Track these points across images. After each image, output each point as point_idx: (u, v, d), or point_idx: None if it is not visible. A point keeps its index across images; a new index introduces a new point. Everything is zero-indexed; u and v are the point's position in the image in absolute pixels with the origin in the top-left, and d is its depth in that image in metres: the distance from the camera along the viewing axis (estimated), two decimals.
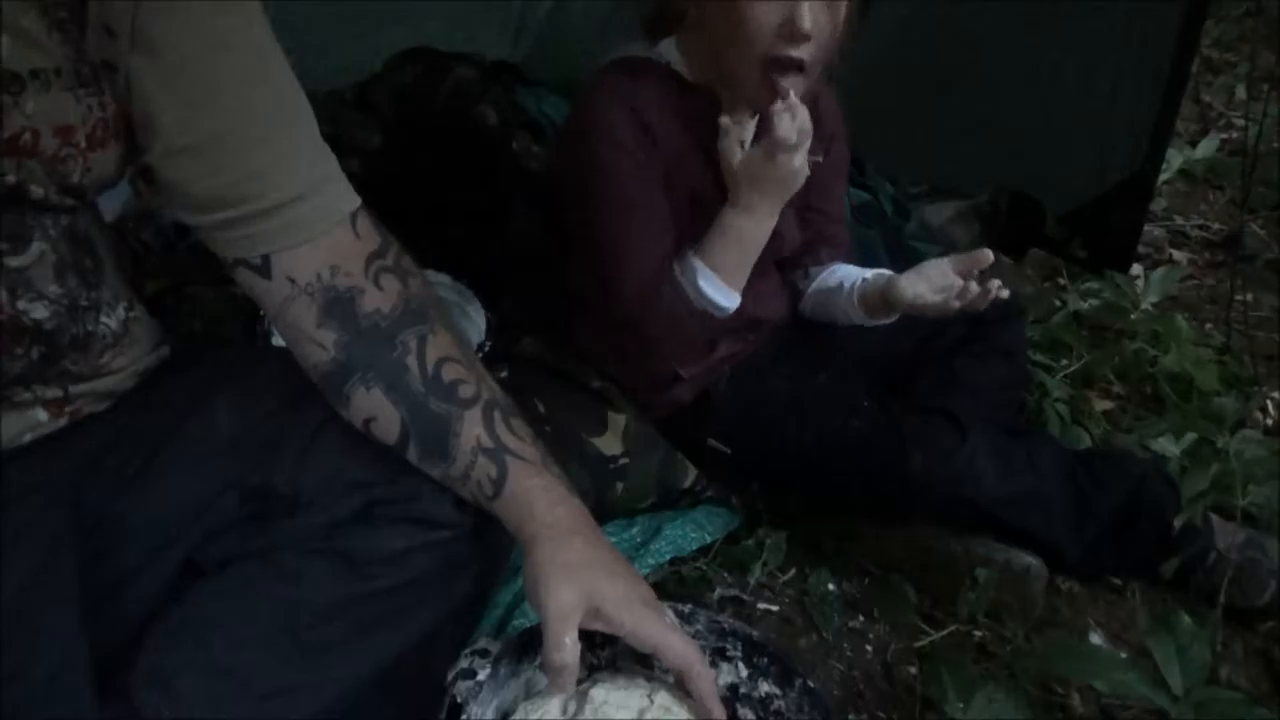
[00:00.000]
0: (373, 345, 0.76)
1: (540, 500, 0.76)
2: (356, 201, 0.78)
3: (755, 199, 1.24)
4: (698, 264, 1.27)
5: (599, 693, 0.78)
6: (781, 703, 0.87)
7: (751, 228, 1.27)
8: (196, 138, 0.71)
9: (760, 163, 1.21)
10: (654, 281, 1.29)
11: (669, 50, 1.32)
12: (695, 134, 1.28)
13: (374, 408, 0.77)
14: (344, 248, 0.76)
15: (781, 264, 1.51)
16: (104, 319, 0.80)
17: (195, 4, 0.69)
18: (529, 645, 0.85)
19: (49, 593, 0.72)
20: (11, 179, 0.67)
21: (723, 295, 1.28)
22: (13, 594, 0.69)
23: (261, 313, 1.46)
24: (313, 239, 0.75)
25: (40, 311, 0.74)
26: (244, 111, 0.72)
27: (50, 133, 0.67)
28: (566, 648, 0.72)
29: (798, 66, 1.18)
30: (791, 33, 1.14)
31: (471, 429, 0.77)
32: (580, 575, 0.73)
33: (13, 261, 0.72)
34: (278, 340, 1.40)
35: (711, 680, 0.76)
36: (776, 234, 1.37)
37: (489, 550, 0.83)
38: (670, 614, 0.82)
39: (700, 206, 1.31)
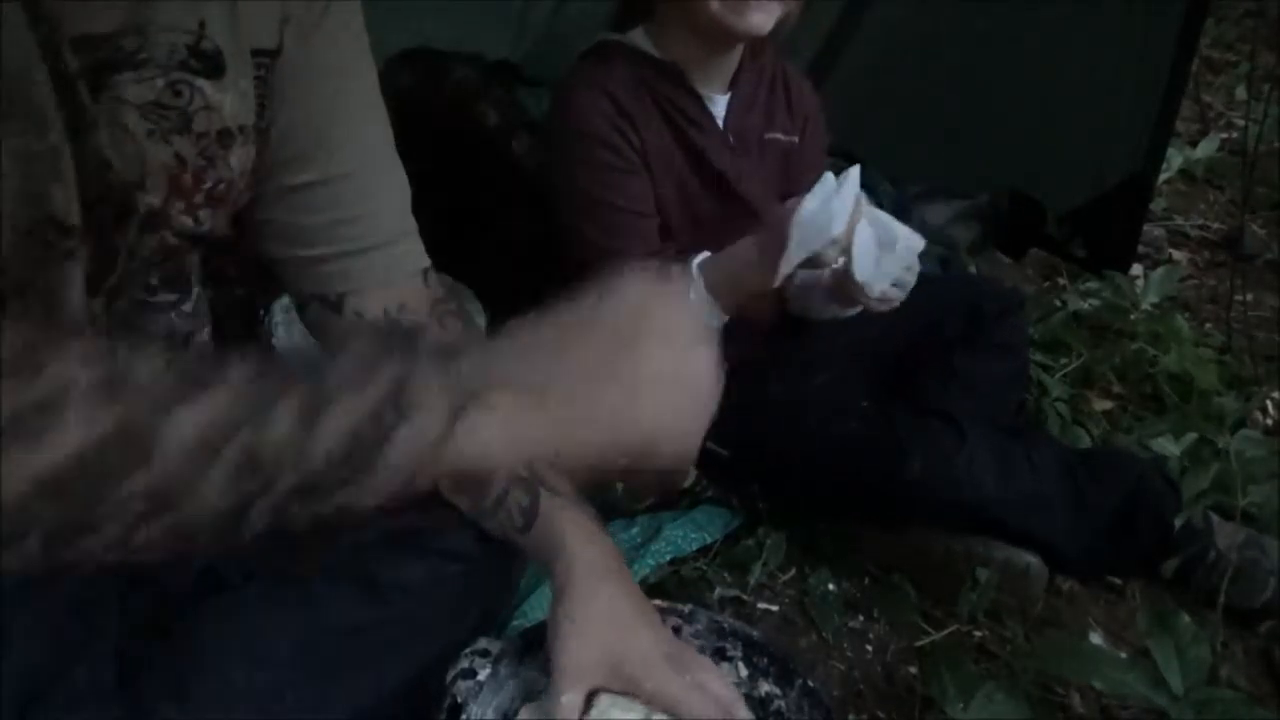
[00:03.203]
0: None
1: (571, 535, 0.76)
2: (428, 261, 0.82)
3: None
4: (695, 274, 1.29)
5: (605, 698, 0.77)
6: (781, 703, 0.87)
7: (743, 251, 1.27)
8: (312, 179, 0.75)
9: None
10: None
11: (638, 37, 1.36)
12: (666, 111, 1.33)
13: None
14: (414, 293, 0.79)
15: None
16: (195, 342, 0.81)
17: (330, 66, 0.74)
18: (529, 645, 0.85)
19: (94, 597, 0.73)
20: (206, 227, 0.71)
21: (708, 311, 1.29)
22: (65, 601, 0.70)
23: (262, 313, 1.46)
24: (390, 283, 0.78)
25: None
26: (362, 157, 0.77)
27: (240, 184, 0.72)
28: (563, 706, 0.72)
29: None
30: None
31: None
32: (603, 634, 0.73)
33: (186, 307, 0.77)
34: (279, 342, 1.40)
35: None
36: (756, 216, 1.40)
37: (499, 584, 0.85)
38: (701, 661, 0.80)
39: (679, 185, 1.35)
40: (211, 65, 0.66)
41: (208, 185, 0.69)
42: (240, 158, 0.70)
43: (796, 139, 1.49)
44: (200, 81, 0.66)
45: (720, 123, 1.39)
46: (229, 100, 0.68)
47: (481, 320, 1.57)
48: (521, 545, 0.78)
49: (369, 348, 0.51)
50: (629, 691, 0.74)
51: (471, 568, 0.80)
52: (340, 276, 0.77)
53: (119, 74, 0.62)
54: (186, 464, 0.45)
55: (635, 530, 1.38)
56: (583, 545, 0.76)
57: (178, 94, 0.65)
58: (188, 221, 0.70)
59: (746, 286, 1.29)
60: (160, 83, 0.64)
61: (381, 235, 0.77)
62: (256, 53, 0.69)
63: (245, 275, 1.48)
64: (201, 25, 0.65)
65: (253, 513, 0.47)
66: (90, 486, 0.44)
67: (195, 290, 0.80)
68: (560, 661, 0.73)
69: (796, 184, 1.49)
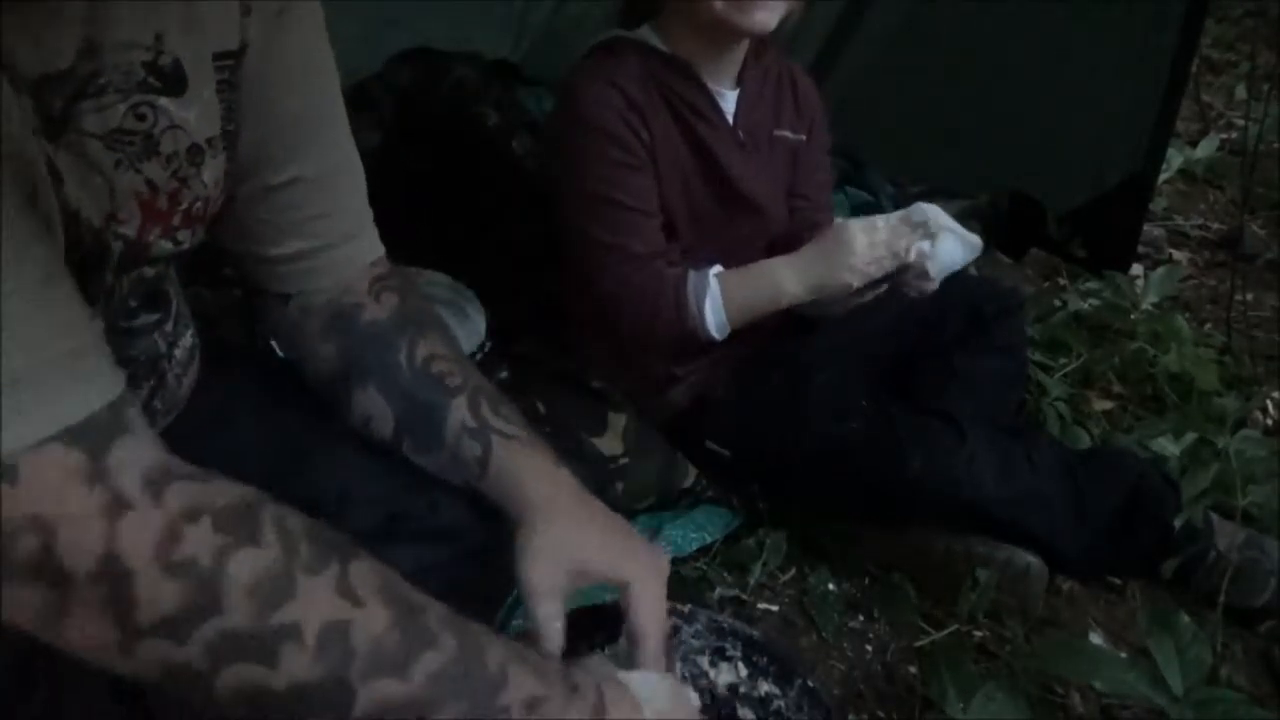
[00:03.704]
0: (368, 348, 0.79)
1: (526, 475, 0.77)
2: (382, 249, 0.82)
3: (812, 266, 1.29)
4: (713, 285, 1.30)
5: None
6: (781, 702, 0.87)
7: (785, 282, 1.31)
8: (286, 177, 0.74)
9: (858, 242, 1.27)
10: (634, 272, 1.30)
11: (646, 33, 1.37)
12: (675, 106, 1.33)
13: (370, 406, 0.79)
14: (358, 277, 0.80)
15: (771, 254, 1.52)
16: (176, 352, 0.81)
17: (298, 63, 0.73)
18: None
19: None
20: (186, 246, 0.70)
21: (717, 324, 1.31)
22: None
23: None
24: (345, 278, 0.79)
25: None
26: (331, 155, 0.77)
27: (216, 195, 0.71)
28: (537, 618, 0.72)
29: None
30: None
31: (457, 414, 0.78)
32: (559, 553, 0.74)
33: (168, 327, 0.77)
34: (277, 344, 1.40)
35: (659, 653, 0.76)
36: (761, 213, 1.42)
37: (495, 570, 0.84)
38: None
39: (685, 181, 1.35)
40: (172, 82, 0.63)
41: (184, 206, 0.67)
42: (213, 170, 0.68)
43: (804, 138, 1.49)
44: (163, 101, 0.63)
45: (730, 118, 1.39)
46: (194, 115, 0.65)
47: (482, 320, 1.57)
48: (483, 492, 0.79)
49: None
50: (596, 579, 0.75)
51: (467, 547, 0.80)
52: (303, 275, 0.77)
53: (78, 105, 0.58)
54: None
55: (635, 530, 1.38)
56: (537, 482, 0.77)
57: (141, 118, 0.62)
58: (167, 245, 0.68)
59: (775, 306, 1.33)
60: (121, 108, 0.61)
61: (345, 230, 0.78)
62: (219, 55, 0.67)
63: (243, 277, 1.48)
64: (158, 38, 0.61)
65: None
66: (290, 711, 0.51)
67: (175, 304, 0.79)
68: (530, 584, 0.73)
69: (802, 183, 1.49)
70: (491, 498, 0.78)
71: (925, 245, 1.29)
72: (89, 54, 0.58)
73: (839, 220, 1.31)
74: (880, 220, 1.29)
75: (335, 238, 0.77)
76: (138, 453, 0.51)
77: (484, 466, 0.77)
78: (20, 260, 0.48)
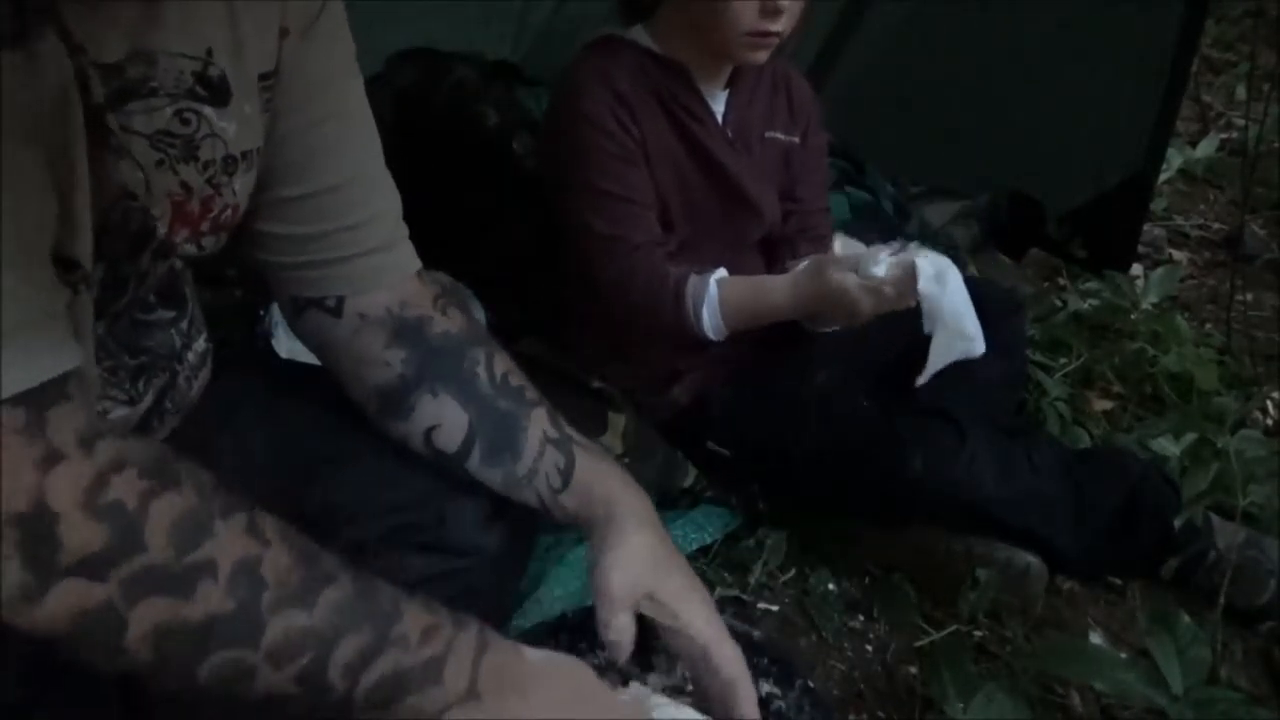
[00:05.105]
0: (443, 358, 0.80)
1: (613, 485, 0.79)
2: (420, 263, 0.83)
3: (810, 300, 1.31)
4: (713, 289, 1.32)
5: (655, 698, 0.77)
6: (782, 703, 0.87)
7: (780, 304, 1.33)
8: (310, 189, 0.75)
9: (848, 291, 1.26)
10: (636, 262, 1.32)
11: (639, 33, 1.39)
12: (668, 105, 1.36)
13: (440, 414, 0.79)
14: (412, 290, 0.81)
15: (765, 255, 1.52)
16: (189, 355, 0.82)
17: (331, 82, 0.75)
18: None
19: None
20: (208, 251, 0.72)
21: (714, 328, 1.33)
22: None
23: (261, 313, 1.46)
24: (388, 285, 0.79)
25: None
26: (356, 171, 0.77)
27: (244, 206, 0.73)
28: (613, 628, 0.74)
29: (774, 37, 1.28)
30: (771, 10, 1.26)
31: (539, 424, 0.80)
32: (641, 567, 0.76)
33: (183, 324, 0.79)
34: (278, 343, 1.40)
35: (755, 698, 0.76)
36: (755, 210, 1.44)
37: (504, 581, 0.85)
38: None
39: (679, 177, 1.38)
40: (218, 93, 0.66)
41: (214, 213, 0.69)
42: (244, 182, 0.71)
43: (797, 139, 1.50)
44: (207, 109, 0.66)
45: (719, 119, 1.40)
46: (234, 127, 0.68)
47: (482, 320, 1.57)
48: (557, 507, 0.79)
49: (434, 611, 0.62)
50: (663, 620, 0.76)
51: (474, 562, 0.80)
52: (341, 280, 0.77)
53: (127, 103, 0.62)
54: (273, 661, 0.55)
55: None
56: (624, 492, 0.79)
57: (185, 122, 0.65)
58: (190, 248, 0.70)
59: (770, 319, 1.36)
60: (169, 111, 0.64)
61: (380, 239, 0.78)
62: (263, 76, 0.70)
63: (244, 277, 1.48)
64: (208, 52, 0.65)
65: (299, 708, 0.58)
66: (200, 646, 0.54)
67: (191, 305, 0.80)
68: (609, 590, 0.74)
69: (797, 185, 1.50)
70: (571, 508, 0.80)
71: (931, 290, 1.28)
72: (142, 61, 0.61)
73: (836, 251, 1.34)
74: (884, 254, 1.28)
75: (370, 246, 0.77)
76: (74, 414, 0.54)
77: (567, 477, 0.79)
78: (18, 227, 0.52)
